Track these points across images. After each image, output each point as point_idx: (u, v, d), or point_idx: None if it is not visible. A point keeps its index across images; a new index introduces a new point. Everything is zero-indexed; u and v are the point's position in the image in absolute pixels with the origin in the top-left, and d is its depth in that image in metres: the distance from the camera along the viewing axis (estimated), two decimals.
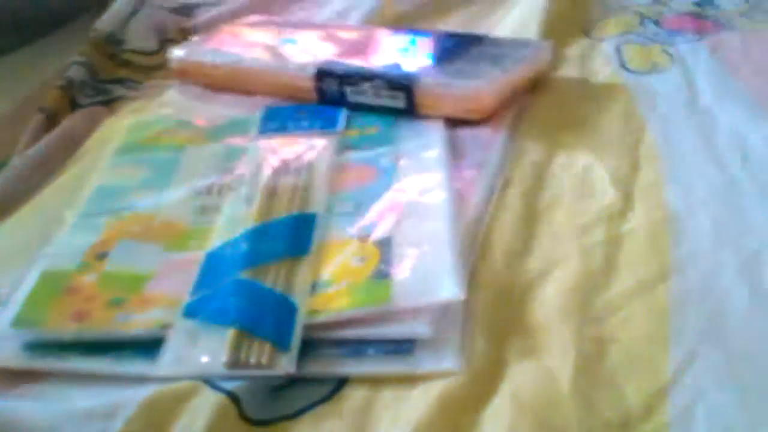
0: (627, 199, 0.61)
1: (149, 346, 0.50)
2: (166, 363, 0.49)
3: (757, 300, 0.50)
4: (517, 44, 0.83)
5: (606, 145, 0.68)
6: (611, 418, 0.43)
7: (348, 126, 0.74)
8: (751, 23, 0.91)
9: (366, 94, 0.77)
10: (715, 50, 0.85)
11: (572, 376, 0.46)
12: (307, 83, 0.79)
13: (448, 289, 0.51)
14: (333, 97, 0.78)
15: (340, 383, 0.47)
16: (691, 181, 0.63)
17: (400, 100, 0.75)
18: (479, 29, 0.93)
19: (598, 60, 0.85)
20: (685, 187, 0.62)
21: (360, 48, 0.84)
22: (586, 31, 0.93)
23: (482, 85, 0.73)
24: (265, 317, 0.50)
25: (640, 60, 0.84)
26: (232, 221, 0.60)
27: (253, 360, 0.48)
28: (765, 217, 0.58)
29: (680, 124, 0.71)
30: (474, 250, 0.57)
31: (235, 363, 0.47)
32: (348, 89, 0.77)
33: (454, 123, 0.73)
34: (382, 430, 0.44)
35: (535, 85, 0.79)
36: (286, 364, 0.47)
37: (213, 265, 0.56)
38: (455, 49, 0.81)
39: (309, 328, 0.50)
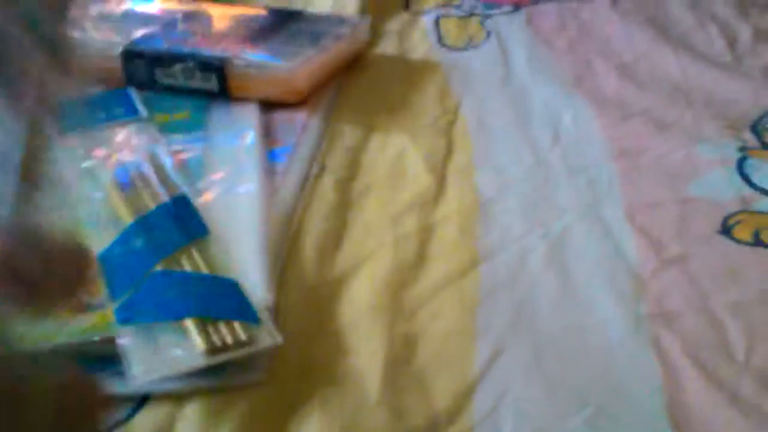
0: (440, 184, 0.61)
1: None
2: (139, 374, 0.44)
3: (563, 286, 0.51)
4: (334, 21, 0.81)
5: (420, 126, 0.68)
6: (419, 424, 0.42)
7: (156, 110, 0.71)
8: None
9: (177, 77, 0.73)
10: (530, 22, 0.86)
11: (381, 381, 0.45)
12: (113, 64, 0.75)
13: (258, 292, 0.49)
14: (141, 79, 0.74)
15: (141, 401, 0.45)
16: (502, 163, 0.63)
17: (212, 83, 0.72)
18: (296, 4, 0.90)
19: (416, 36, 0.84)
20: (496, 169, 0.62)
21: (172, 25, 0.80)
22: (406, 4, 0.92)
23: (296, 67, 0.71)
24: (214, 300, 0.48)
25: (456, 35, 0.84)
26: (96, 221, 0.56)
27: (230, 341, 0.45)
28: (572, 198, 0.58)
29: (494, 103, 0.71)
30: (283, 246, 0.55)
31: (213, 349, 0.44)
32: (158, 71, 0.74)
33: (269, 106, 0.71)
34: None
35: (353, 64, 0.78)
36: (268, 336, 0.45)
37: (113, 267, 0.52)
38: (271, 26, 0.79)
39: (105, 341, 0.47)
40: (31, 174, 0.22)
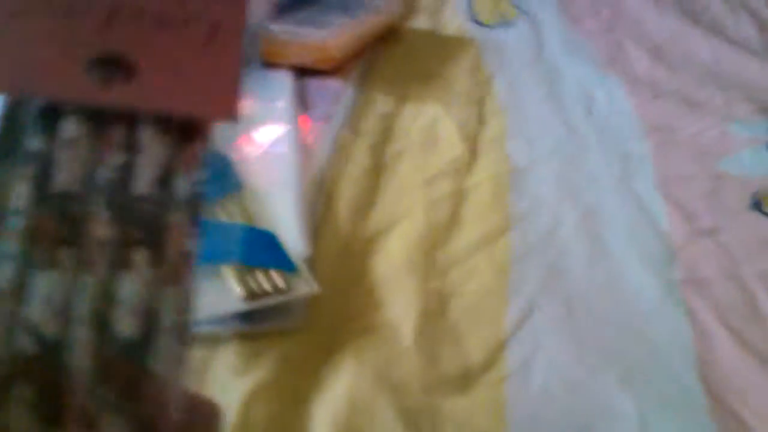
0: (472, 152, 0.61)
1: None
2: None
3: (595, 252, 0.51)
4: None
5: (453, 98, 0.68)
6: (452, 372, 0.43)
7: None
8: None
9: None
10: (561, 2, 0.86)
11: (415, 331, 0.45)
12: None
13: (293, 244, 0.50)
14: None
15: None
16: (534, 134, 0.63)
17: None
18: None
19: (449, 11, 0.85)
20: (529, 140, 0.63)
21: None
22: None
23: (331, 35, 0.72)
24: (252, 248, 0.49)
25: (489, 12, 0.84)
26: None
27: (268, 287, 0.45)
28: (604, 170, 0.59)
29: (526, 78, 0.72)
30: (319, 203, 0.55)
31: (252, 295, 0.45)
32: None
33: (302, 72, 0.71)
34: (220, 391, 0.43)
35: (386, 36, 0.78)
36: (305, 284, 0.46)
37: None
38: None
39: None
40: (185, 334, 0.23)
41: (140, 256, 0.23)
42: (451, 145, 0.62)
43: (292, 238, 0.50)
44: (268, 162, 0.58)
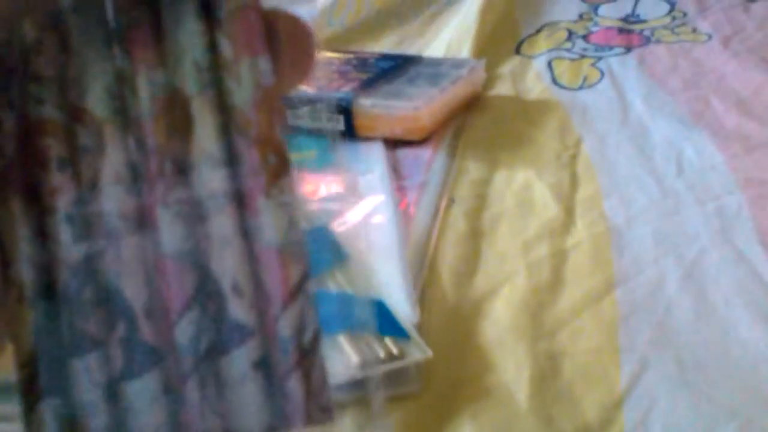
0: (568, 213, 0.62)
1: None
2: None
3: (701, 307, 0.52)
4: (452, 64, 0.84)
5: (544, 161, 0.70)
6: None
7: None
8: (675, 35, 0.94)
9: (304, 118, 0.77)
10: (642, 63, 0.87)
11: (529, 393, 0.46)
12: None
13: (402, 310, 0.51)
14: None
15: None
16: (629, 193, 0.64)
17: (339, 123, 0.75)
18: (410, 50, 0.94)
19: (530, 77, 0.87)
20: (624, 199, 0.63)
21: None
22: (516, 49, 0.94)
23: (420, 106, 0.74)
24: (363, 317, 0.50)
25: (570, 75, 0.86)
26: None
27: (383, 354, 0.47)
28: (702, 225, 0.59)
29: (614, 137, 0.73)
30: (423, 270, 0.57)
31: (366, 362, 0.47)
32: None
33: (393, 144, 0.73)
34: None
35: (471, 104, 0.80)
36: (418, 350, 0.47)
37: None
38: (392, 70, 0.82)
39: None
40: None
41: None
42: (545, 207, 0.63)
43: (400, 304, 0.52)
44: (369, 231, 0.60)
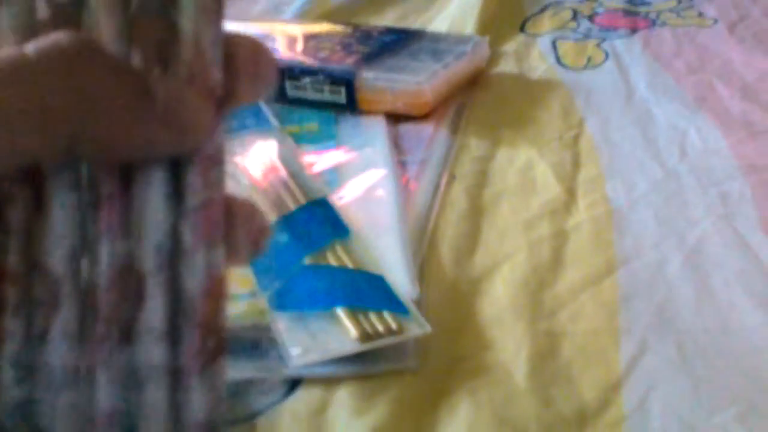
0: (570, 193, 0.62)
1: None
2: (297, 356, 0.46)
3: (702, 291, 0.51)
4: (456, 40, 0.83)
5: (546, 140, 0.69)
6: (568, 413, 0.43)
7: (285, 122, 0.73)
8: (681, 19, 0.93)
9: (306, 90, 0.76)
10: (647, 46, 0.87)
11: (527, 371, 0.46)
12: None
13: (402, 286, 0.51)
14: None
15: (294, 384, 0.47)
16: (631, 175, 0.64)
17: (341, 96, 0.74)
18: (414, 25, 0.93)
19: (534, 56, 0.86)
20: (626, 181, 0.63)
21: (295, 42, 0.83)
22: (521, 27, 0.94)
23: (423, 81, 0.73)
24: (363, 291, 0.50)
25: (575, 56, 0.85)
26: None
27: (381, 329, 0.47)
28: (705, 209, 0.59)
29: (618, 119, 0.72)
30: (423, 246, 0.56)
31: (366, 336, 0.47)
32: (288, 84, 0.77)
33: (395, 119, 0.73)
34: (339, 431, 0.44)
35: (474, 81, 0.80)
36: (417, 326, 0.47)
37: (261, 260, 0.54)
38: (395, 44, 0.81)
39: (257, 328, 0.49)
40: None
41: None
42: (547, 187, 0.63)
43: (400, 280, 0.51)
44: (370, 206, 0.60)
